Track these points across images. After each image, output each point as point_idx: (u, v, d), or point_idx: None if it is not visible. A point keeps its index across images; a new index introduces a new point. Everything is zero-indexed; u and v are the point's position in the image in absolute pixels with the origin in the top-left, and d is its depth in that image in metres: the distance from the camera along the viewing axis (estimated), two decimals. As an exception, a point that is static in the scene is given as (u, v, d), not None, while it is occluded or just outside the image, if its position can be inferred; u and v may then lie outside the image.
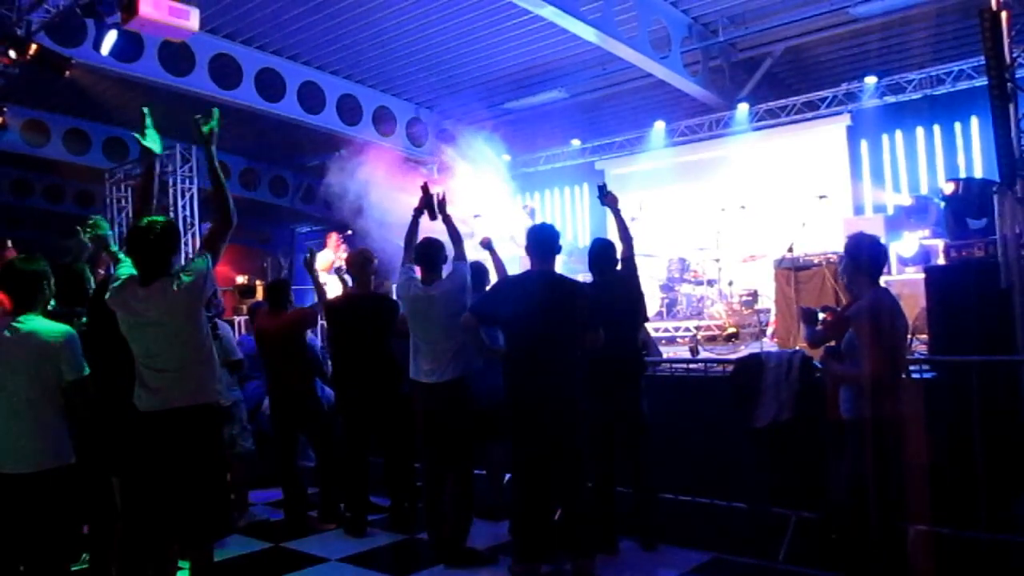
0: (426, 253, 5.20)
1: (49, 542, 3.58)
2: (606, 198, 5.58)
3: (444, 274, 5.23)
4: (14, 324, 3.56)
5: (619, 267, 5.37)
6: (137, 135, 3.96)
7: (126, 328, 3.65)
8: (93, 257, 4.94)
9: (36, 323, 3.58)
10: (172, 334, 3.62)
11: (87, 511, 4.16)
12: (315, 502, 6.32)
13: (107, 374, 3.93)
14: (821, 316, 4.56)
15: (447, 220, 5.40)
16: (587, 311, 4.66)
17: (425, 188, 5.48)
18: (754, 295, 10.56)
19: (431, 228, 5.45)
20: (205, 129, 3.83)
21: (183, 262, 3.79)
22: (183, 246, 11.64)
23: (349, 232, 11.46)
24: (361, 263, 6.02)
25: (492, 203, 11.65)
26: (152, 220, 3.71)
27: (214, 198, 3.86)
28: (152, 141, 3.95)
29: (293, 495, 6.17)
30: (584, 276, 5.29)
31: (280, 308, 6.26)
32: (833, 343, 4.17)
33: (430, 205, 5.43)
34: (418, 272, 5.23)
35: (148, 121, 3.94)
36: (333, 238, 11.49)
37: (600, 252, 5.39)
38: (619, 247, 5.38)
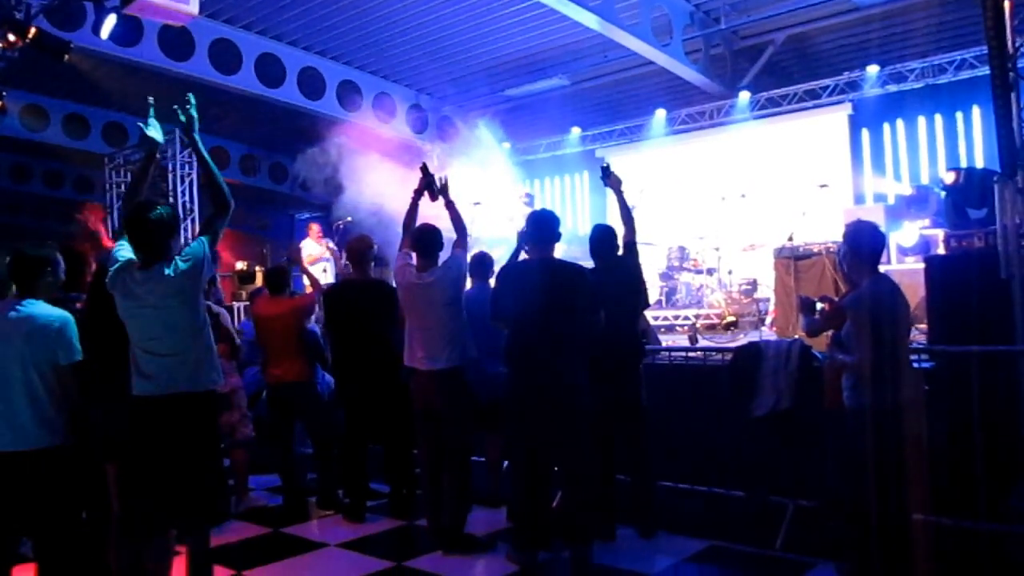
0: (423, 240, 5.15)
1: (53, 520, 3.64)
2: (609, 179, 5.53)
3: (441, 261, 5.20)
4: (16, 307, 3.68)
5: (620, 252, 5.35)
6: (141, 124, 4.00)
7: (123, 312, 3.66)
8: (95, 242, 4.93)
9: (35, 308, 3.70)
10: (169, 319, 3.63)
11: (84, 497, 4.17)
12: (313, 488, 6.35)
13: (104, 359, 3.93)
14: (819, 306, 4.55)
15: (450, 206, 5.31)
16: (587, 295, 4.66)
17: (424, 169, 5.38)
18: (754, 284, 10.57)
19: (435, 216, 5.41)
20: (183, 118, 3.89)
21: (181, 247, 3.79)
22: (182, 231, 11.63)
23: (348, 219, 11.45)
24: (361, 250, 6.00)
25: (492, 190, 11.63)
26: (152, 203, 3.71)
27: (207, 185, 3.88)
28: (155, 131, 4.00)
29: (291, 482, 6.19)
30: (585, 264, 5.27)
31: (279, 294, 6.26)
32: (835, 332, 4.17)
33: (430, 186, 5.34)
34: (415, 258, 5.22)
35: (151, 111, 3.98)
36: (314, 228, 11.48)
37: (601, 238, 5.37)
38: (621, 231, 5.36)
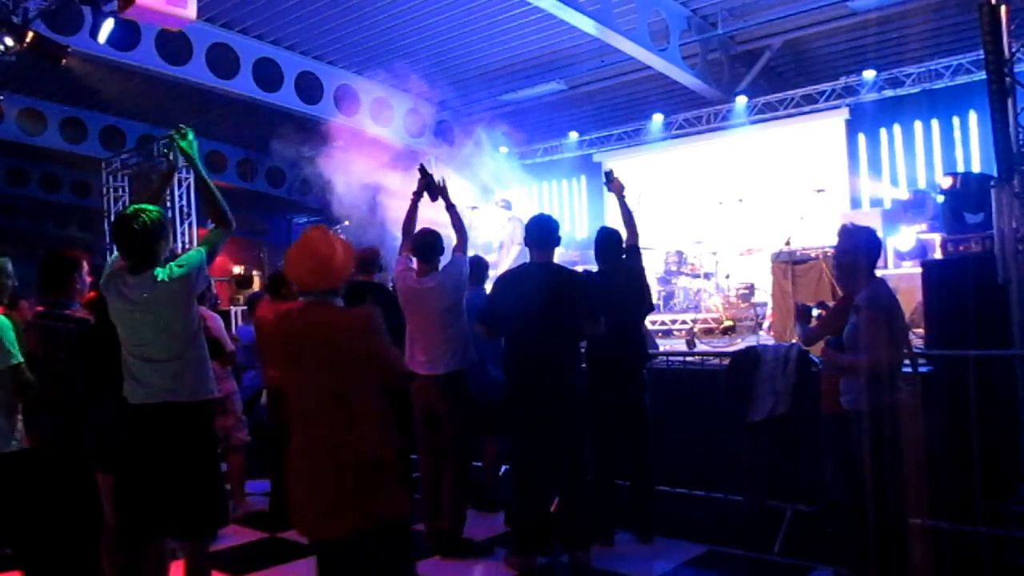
0: (423, 244, 5.13)
1: (22, 527, 3.62)
2: (612, 184, 5.53)
3: (442, 266, 5.19)
4: None
5: (624, 256, 5.35)
6: (165, 150, 3.99)
7: (115, 315, 3.63)
8: None
9: None
10: (161, 323, 3.59)
11: (73, 504, 4.13)
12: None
13: (103, 367, 3.91)
14: (816, 312, 4.54)
15: (450, 208, 5.27)
16: (587, 300, 4.65)
17: (423, 169, 5.33)
18: (751, 288, 10.56)
19: (434, 221, 5.39)
20: (184, 144, 3.88)
21: (179, 253, 3.79)
22: (179, 236, 11.60)
23: (346, 223, 11.45)
24: (371, 260, 5.96)
25: (489, 195, 11.64)
26: (138, 208, 3.69)
27: (207, 205, 3.86)
28: (176, 155, 4.00)
29: (282, 487, 6.18)
30: (581, 268, 5.28)
31: (282, 298, 6.26)
32: (831, 336, 4.15)
33: (430, 187, 5.29)
34: (415, 262, 5.21)
35: (182, 137, 3.97)
36: None
37: (606, 241, 5.36)
38: (624, 235, 5.36)
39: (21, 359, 3.75)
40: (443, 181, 5.34)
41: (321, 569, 3.16)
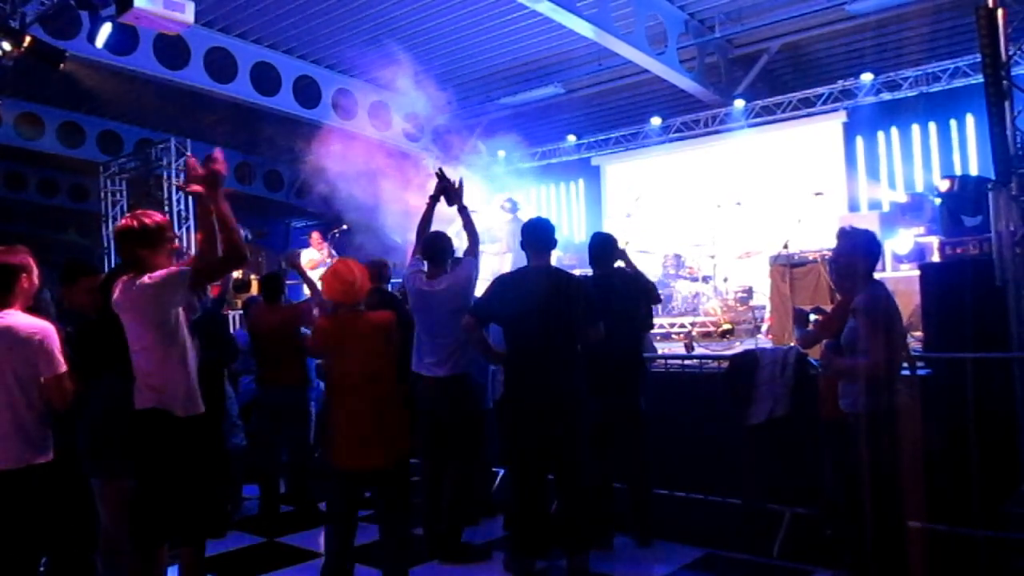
0: (431, 247, 5.13)
1: (34, 540, 3.57)
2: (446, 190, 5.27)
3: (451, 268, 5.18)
4: None
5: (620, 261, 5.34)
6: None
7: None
8: None
9: (14, 318, 3.53)
10: (134, 333, 3.56)
11: (71, 509, 4.11)
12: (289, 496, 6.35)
13: (98, 370, 3.91)
14: (813, 317, 4.54)
15: (463, 211, 5.25)
16: (585, 305, 4.65)
17: (441, 174, 5.27)
18: (749, 292, 10.56)
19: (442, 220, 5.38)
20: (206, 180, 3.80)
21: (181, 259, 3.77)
22: (179, 241, 11.56)
23: (344, 227, 11.45)
24: (380, 270, 5.98)
25: (487, 199, 11.63)
26: (135, 213, 3.69)
27: (223, 242, 3.63)
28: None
29: (272, 489, 6.19)
30: (579, 272, 5.26)
31: (275, 302, 6.27)
32: (829, 340, 4.14)
33: (447, 192, 5.24)
34: (426, 265, 5.19)
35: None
36: (315, 236, 11.57)
37: (600, 247, 5.36)
38: (622, 241, 5.34)
39: (65, 367, 3.65)
40: (458, 181, 5.29)
41: (357, 493, 4.27)
